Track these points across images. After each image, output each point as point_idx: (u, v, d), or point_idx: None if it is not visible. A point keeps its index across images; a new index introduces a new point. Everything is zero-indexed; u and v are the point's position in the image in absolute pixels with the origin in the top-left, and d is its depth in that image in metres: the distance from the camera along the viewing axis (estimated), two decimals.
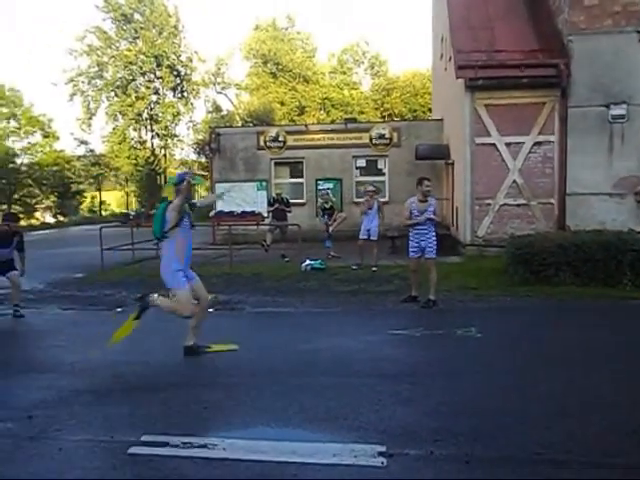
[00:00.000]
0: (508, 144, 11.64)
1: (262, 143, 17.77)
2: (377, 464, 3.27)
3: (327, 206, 13.27)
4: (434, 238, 7.90)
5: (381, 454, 3.36)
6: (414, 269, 8.11)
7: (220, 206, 16.33)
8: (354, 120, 21.32)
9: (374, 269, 10.68)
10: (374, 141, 17.47)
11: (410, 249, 8.01)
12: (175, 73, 37.58)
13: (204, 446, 3.54)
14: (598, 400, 4.25)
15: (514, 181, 11.66)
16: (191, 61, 38.36)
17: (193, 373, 5.04)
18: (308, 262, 11.12)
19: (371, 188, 11.65)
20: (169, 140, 38.99)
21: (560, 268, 8.65)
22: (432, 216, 7.79)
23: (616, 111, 11.23)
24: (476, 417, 3.93)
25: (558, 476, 3.13)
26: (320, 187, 16.92)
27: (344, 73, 43.69)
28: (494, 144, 11.68)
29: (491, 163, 11.72)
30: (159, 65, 36.63)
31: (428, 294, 7.85)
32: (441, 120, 17.30)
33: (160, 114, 37.52)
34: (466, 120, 11.82)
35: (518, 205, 11.74)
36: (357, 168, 17.80)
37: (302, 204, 17.10)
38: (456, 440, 3.54)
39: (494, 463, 3.27)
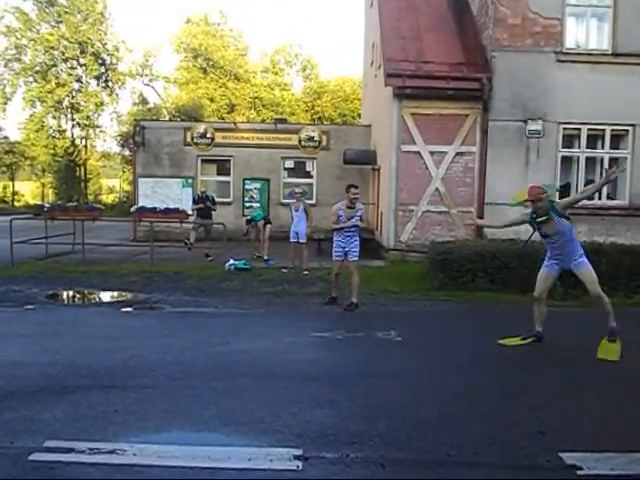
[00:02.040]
0: (432, 153, 11.99)
1: (189, 139, 17.36)
2: (292, 467, 3.23)
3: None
4: (357, 242, 8.09)
5: (297, 458, 3.33)
6: (337, 272, 8.21)
7: (142, 202, 15.82)
8: (284, 121, 21.26)
9: (305, 272, 10.66)
10: (303, 143, 17.49)
11: (334, 252, 8.14)
12: (100, 61, 35.97)
13: (112, 452, 3.38)
14: (510, 402, 4.42)
15: (436, 189, 12.02)
16: (117, 50, 36.86)
17: (104, 375, 4.80)
18: (232, 262, 10.96)
19: (298, 190, 11.63)
20: (91, 130, 37.28)
21: (477, 274, 8.97)
22: (358, 222, 7.95)
23: (533, 126, 11.83)
24: (393, 420, 3.98)
25: (467, 477, 3.21)
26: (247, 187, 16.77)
27: (276, 73, 43.53)
28: (419, 152, 11.99)
29: (415, 171, 12.02)
30: (83, 52, 34.99)
31: (351, 297, 7.95)
32: (369, 126, 17.57)
33: (82, 103, 35.80)
34: (393, 127, 12.07)
35: (439, 212, 12.10)
36: (285, 169, 17.75)
37: (228, 203, 16.87)
38: (373, 443, 3.57)
39: (407, 465, 3.31)
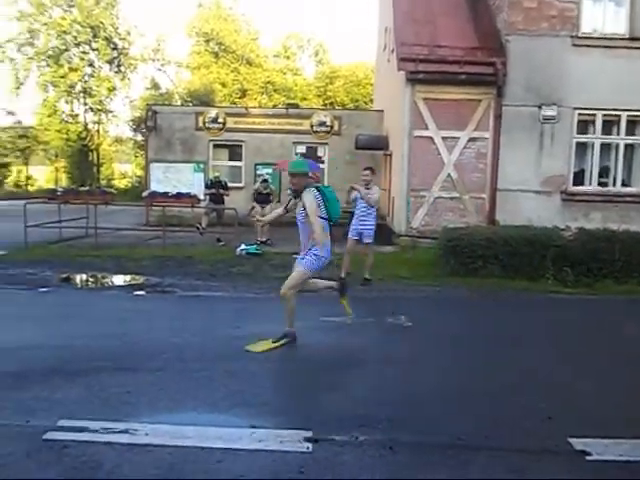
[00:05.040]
0: (444, 138, 11.88)
1: (201, 124, 17.35)
2: (303, 449, 3.27)
3: (265, 192, 13.06)
4: (372, 225, 8.42)
5: (307, 440, 3.37)
6: (349, 251, 8.55)
7: (154, 186, 15.90)
8: (296, 106, 21.19)
9: None
10: (315, 128, 17.42)
11: (350, 231, 8.55)
12: (112, 46, 35.94)
13: (125, 431, 3.43)
14: (519, 387, 4.43)
15: (449, 175, 11.93)
16: (129, 34, 36.83)
17: (117, 357, 4.86)
18: (243, 247, 10.99)
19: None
20: (103, 115, 37.39)
21: (488, 261, 8.94)
22: (370, 195, 8.23)
23: (547, 112, 11.67)
24: (403, 404, 4.00)
25: (475, 460, 3.23)
26: (259, 172, 16.74)
27: (288, 58, 43.29)
28: (431, 137, 11.90)
29: (427, 156, 11.94)
30: (95, 36, 34.98)
31: (364, 275, 8.53)
32: (382, 111, 17.45)
33: (94, 87, 35.85)
34: (405, 112, 11.98)
35: (452, 198, 12.03)
36: (297, 154, 17.70)
37: (240, 188, 16.86)
38: (382, 426, 3.60)
39: (416, 448, 3.34)
